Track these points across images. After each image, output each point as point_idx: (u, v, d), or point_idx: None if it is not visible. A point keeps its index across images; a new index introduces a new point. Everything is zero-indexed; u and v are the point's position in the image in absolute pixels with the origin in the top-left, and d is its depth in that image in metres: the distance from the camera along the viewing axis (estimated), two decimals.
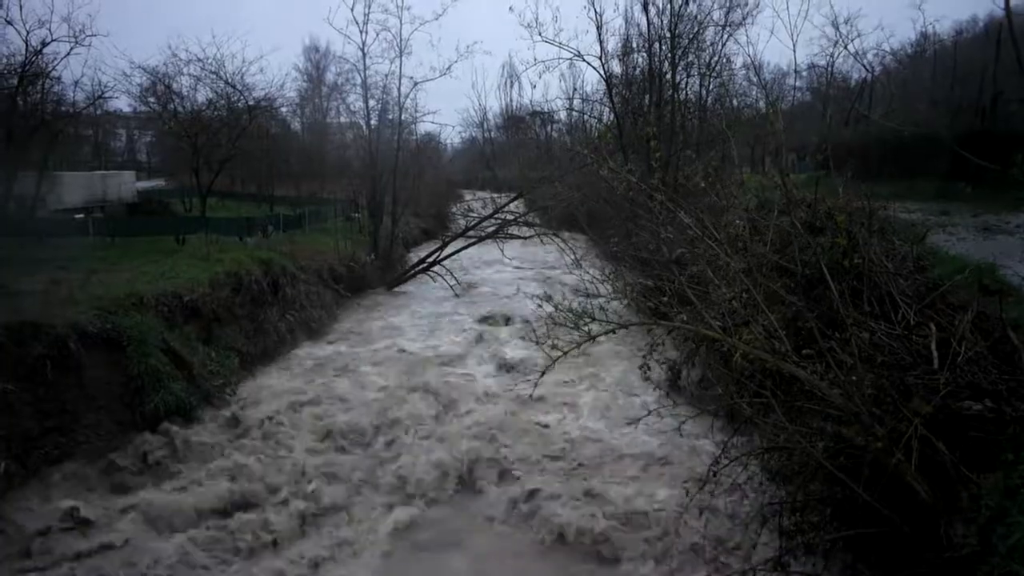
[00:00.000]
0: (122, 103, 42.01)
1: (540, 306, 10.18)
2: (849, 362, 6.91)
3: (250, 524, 10.89)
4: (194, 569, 9.93)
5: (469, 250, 33.72)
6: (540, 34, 30.77)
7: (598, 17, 32.24)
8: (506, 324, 23.47)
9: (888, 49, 44.10)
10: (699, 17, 31.77)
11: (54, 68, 26.14)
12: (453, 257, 32.28)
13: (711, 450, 10.72)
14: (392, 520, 11.16)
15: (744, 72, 37.30)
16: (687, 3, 30.78)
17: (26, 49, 23.63)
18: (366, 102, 34.13)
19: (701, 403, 11.10)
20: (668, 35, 31.28)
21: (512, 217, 34.36)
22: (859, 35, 59.25)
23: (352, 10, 40.18)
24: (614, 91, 34.08)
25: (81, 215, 30.42)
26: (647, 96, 33.72)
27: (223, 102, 34.99)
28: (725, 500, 9.72)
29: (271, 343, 19.79)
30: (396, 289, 30.92)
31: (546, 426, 14.40)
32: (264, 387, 16.70)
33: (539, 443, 13.56)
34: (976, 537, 5.44)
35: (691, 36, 31.84)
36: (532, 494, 11.68)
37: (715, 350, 11.25)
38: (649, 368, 11.90)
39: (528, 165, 53.17)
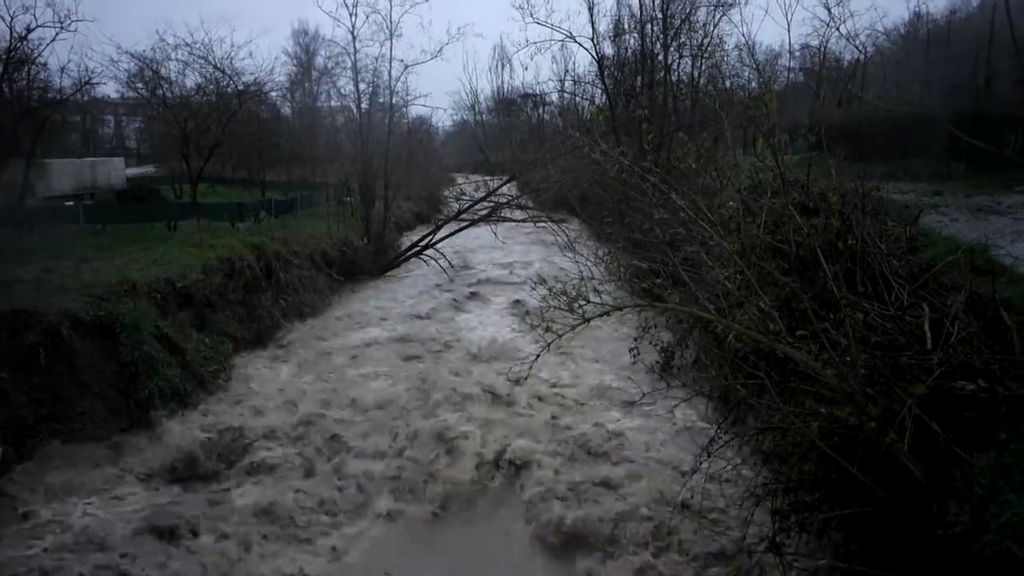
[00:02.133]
0: (110, 89, 41.80)
1: (534, 289, 10.18)
2: (843, 343, 6.93)
3: None
4: None
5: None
6: (532, 15, 30.86)
7: None
8: None
9: (881, 29, 44.05)
10: None
11: (39, 54, 26.01)
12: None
13: (705, 430, 10.81)
14: None
15: (737, 53, 37.25)
16: None
17: (10, 35, 23.52)
18: (356, 86, 33.90)
19: (695, 385, 11.12)
20: (660, 16, 31.21)
21: (505, 200, 34.30)
22: (852, 15, 59.14)
23: None
24: (606, 73, 33.95)
25: (71, 202, 30.27)
26: (639, 77, 33.67)
27: (212, 87, 34.81)
28: (719, 481, 9.77)
29: (264, 328, 19.79)
30: (389, 273, 30.91)
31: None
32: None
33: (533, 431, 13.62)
34: (969, 515, 5.48)
35: (683, 16, 31.80)
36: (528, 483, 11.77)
37: (709, 332, 11.29)
38: (639, 352, 11.99)
39: (520, 148, 53.05)
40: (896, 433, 6.04)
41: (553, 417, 14.14)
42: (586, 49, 34.19)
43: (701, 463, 8.80)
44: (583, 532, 10.25)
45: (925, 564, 5.75)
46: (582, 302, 8.69)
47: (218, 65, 34.02)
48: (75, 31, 25.78)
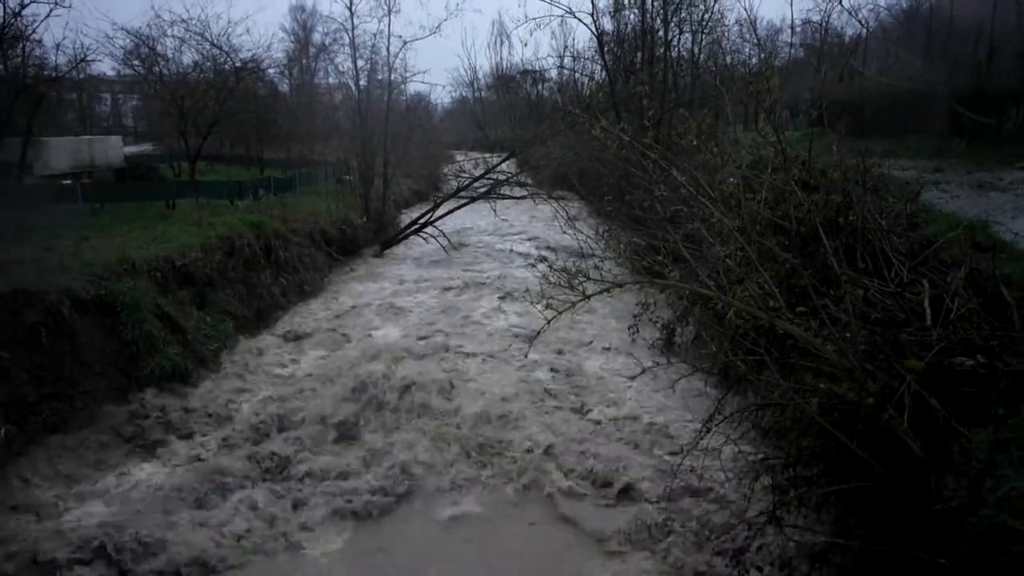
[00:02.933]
0: (106, 66, 41.44)
1: (534, 266, 10.18)
2: (843, 319, 6.94)
3: None
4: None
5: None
6: None
7: None
8: None
9: (883, 4, 43.69)
10: None
11: (34, 31, 25.74)
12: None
13: (704, 406, 10.86)
14: None
15: (737, 28, 37.00)
16: None
17: (4, 11, 23.20)
18: (355, 62, 33.67)
19: (695, 361, 11.15)
20: None
21: (504, 177, 34.19)
22: None
23: None
24: (606, 49, 33.71)
25: (69, 181, 30.15)
26: (639, 53, 33.44)
27: (209, 64, 34.49)
28: (719, 457, 9.82)
29: (265, 306, 19.83)
30: (388, 251, 30.89)
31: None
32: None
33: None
34: (966, 490, 5.51)
35: None
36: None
37: (709, 308, 11.30)
38: (637, 329, 12.01)
39: (519, 125, 52.79)
40: (895, 409, 6.07)
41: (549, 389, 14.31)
42: (585, 25, 34.20)
43: (701, 438, 8.84)
44: (583, 504, 10.37)
45: (922, 538, 5.80)
46: (582, 279, 8.69)
47: (215, 42, 33.69)
48: (69, 7, 25.39)
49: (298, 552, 9.67)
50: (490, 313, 19.33)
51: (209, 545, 9.42)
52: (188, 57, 36.16)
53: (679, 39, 33.19)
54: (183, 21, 33.24)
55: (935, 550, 5.46)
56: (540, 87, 62.29)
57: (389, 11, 31.43)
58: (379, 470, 11.42)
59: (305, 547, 9.73)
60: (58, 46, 30.78)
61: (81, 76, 38.09)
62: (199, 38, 33.71)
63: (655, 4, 31.60)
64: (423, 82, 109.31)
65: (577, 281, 8.65)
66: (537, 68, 57.66)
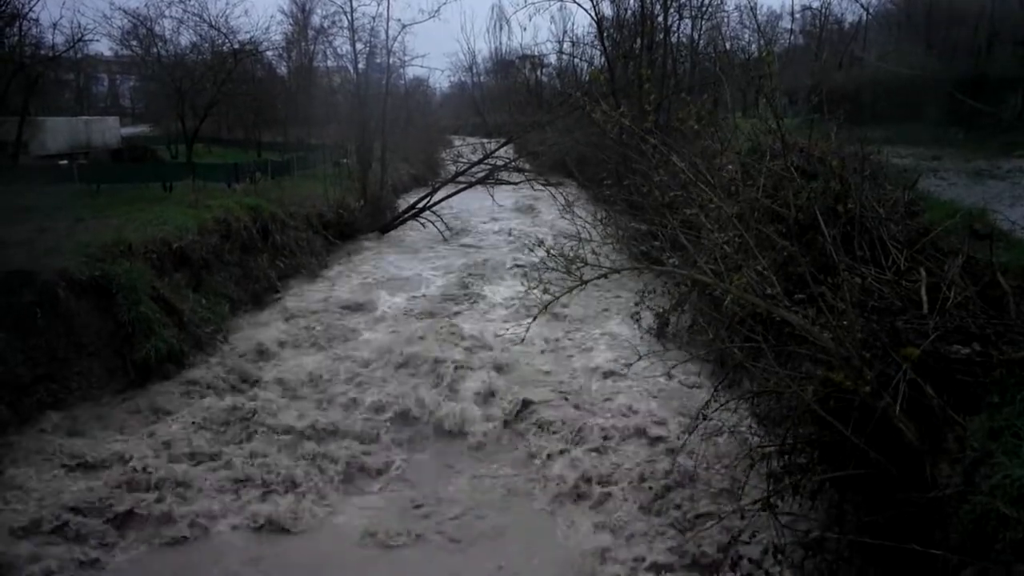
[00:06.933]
0: (103, 46, 41.24)
1: (532, 251, 10.16)
2: (840, 307, 6.94)
3: None
4: None
5: None
6: None
7: None
8: None
9: None
10: None
11: (31, 9, 25.58)
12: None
13: (700, 394, 10.88)
14: None
15: (737, 15, 36.85)
16: None
17: None
18: (353, 45, 33.47)
19: (692, 348, 11.16)
20: None
21: (502, 163, 34.07)
22: None
23: None
24: (605, 34, 33.54)
25: (65, 161, 30.01)
26: (638, 39, 33.24)
27: (207, 46, 34.34)
28: (714, 443, 9.85)
29: (261, 289, 19.82)
30: (386, 235, 30.83)
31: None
32: None
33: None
34: (961, 477, 5.53)
35: None
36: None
37: (707, 295, 11.30)
38: (640, 317, 12.03)
39: (518, 110, 52.51)
40: (891, 396, 6.08)
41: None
42: (585, 9, 34.02)
43: (696, 425, 8.86)
44: (579, 492, 10.39)
45: (917, 524, 5.82)
46: (580, 264, 8.68)
47: (213, 23, 33.55)
48: None
49: None
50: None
51: None
52: (186, 38, 36.10)
53: (679, 25, 33.08)
54: (181, 1, 33.14)
55: (929, 537, 5.48)
56: (539, 72, 61.91)
57: None
58: None
59: None
60: (55, 25, 30.78)
61: (78, 56, 37.92)
62: (197, 19, 33.63)
63: None
64: (422, 66, 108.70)
65: (575, 267, 8.64)
66: (536, 53, 57.30)
